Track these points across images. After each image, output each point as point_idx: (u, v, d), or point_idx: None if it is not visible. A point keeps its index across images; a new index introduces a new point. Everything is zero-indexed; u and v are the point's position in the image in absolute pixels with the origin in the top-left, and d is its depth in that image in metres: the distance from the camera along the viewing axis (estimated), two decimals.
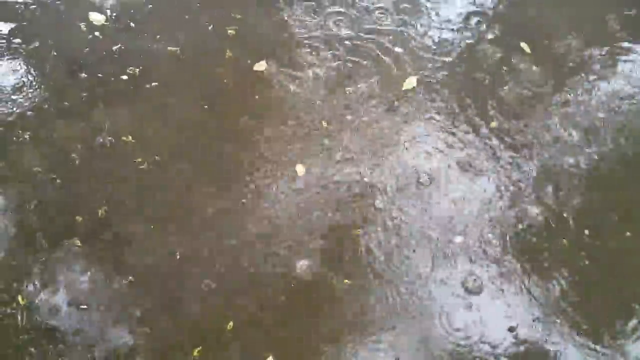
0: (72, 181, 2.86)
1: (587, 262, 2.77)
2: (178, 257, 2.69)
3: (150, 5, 3.51)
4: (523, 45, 3.46)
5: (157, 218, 2.78)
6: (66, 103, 3.10)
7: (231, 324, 2.54)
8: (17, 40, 3.29)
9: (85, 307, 2.55)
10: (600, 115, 3.24)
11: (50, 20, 3.40)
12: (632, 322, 2.63)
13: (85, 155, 2.94)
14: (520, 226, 2.85)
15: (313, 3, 3.58)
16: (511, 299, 2.67)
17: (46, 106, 3.08)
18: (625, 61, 3.44)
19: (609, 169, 3.06)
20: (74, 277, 2.62)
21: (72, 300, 2.56)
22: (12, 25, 3.35)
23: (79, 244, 2.69)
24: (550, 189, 2.97)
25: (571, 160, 3.07)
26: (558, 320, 2.62)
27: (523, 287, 2.69)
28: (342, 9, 3.57)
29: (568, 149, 3.11)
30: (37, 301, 2.55)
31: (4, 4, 3.43)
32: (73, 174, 2.88)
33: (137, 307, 2.57)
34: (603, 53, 3.48)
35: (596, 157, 3.09)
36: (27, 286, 2.58)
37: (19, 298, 2.55)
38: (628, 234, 2.86)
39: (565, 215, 2.89)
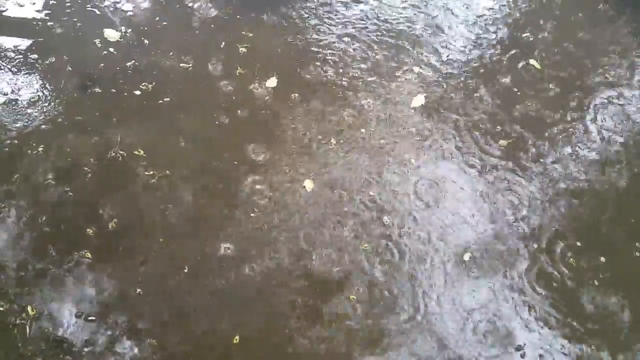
0: (84, 194, 2.90)
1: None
2: (186, 270, 2.70)
3: (165, 23, 3.58)
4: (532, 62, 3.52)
5: (166, 231, 2.81)
6: (80, 117, 3.15)
7: (237, 337, 2.54)
8: (34, 56, 3.36)
9: (93, 318, 2.57)
10: (616, 134, 3.26)
11: (66, 36, 3.47)
12: None
13: (98, 168, 2.98)
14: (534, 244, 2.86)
15: (324, 24, 3.64)
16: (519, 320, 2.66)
17: (60, 120, 3.14)
18: None
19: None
20: (83, 288, 2.64)
21: (80, 312, 2.58)
22: (30, 41, 3.43)
23: (90, 256, 2.72)
24: (559, 206, 2.98)
25: (583, 178, 3.08)
26: (560, 338, 2.61)
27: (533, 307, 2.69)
28: (352, 30, 3.62)
29: (580, 166, 3.12)
30: (46, 312, 2.57)
31: (22, 21, 3.51)
32: (85, 187, 2.92)
33: (145, 320, 2.58)
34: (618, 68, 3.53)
35: (614, 175, 3.10)
36: (37, 297, 2.60)
37: (29, 309, 2.57)
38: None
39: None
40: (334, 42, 3.56)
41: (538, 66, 3.52)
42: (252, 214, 2.88)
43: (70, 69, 3.33)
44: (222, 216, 2.87)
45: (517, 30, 3.72)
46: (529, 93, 3.40)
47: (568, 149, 3.20)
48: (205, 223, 2.85)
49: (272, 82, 3.35)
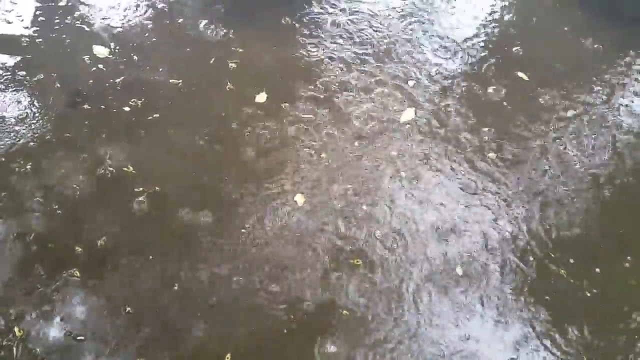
0: (72, 211, 2.87)
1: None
2: (176, 288, 2.68)
3: (154, 39, 3.59)
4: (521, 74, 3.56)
5: (156, 249, 2.78)
6: (68, 134, 3.13)
7: (229, 355, 2.51)
8: (22, 73, 3.35)
9: (82, 338, 2.53)
10: (599, 145, 3.29)
11: (54, 53, 3.47)
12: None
13: (86, 185, 2.96)
14: (514, 256, 2.86)
15: (314, 39, 3.66)
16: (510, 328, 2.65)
17: (48, 137, 3.12)
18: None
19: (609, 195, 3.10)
20: (72, 307, 2.61)
21: (69, 332, 2.54)
22: (18, 58, 3.41)
23: (78, 275, 2.68)
24: (545, 217, 2.99)
25: (568, 189, 3.10)
26: (548, 344, 2.60)
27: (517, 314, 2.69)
28: (341, 42, 3.65)
29: (573, 178, 3.15)
30: (34, 332, 2.53)
31: (10, 38, 3.50)
32: (74, 204, 2.89)
33: (135, 338, 2.55)
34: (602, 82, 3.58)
35: (593, 184, 3.13)
36: (24, 317, 2.56)
37: (16, 329, 2.52)
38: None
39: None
40: (323, 58, 3.58)
41: (526, 78, 3.56)
42: (242, 230, 2.86)
43: (58, 85, 3.31)
44: (212, 232, 2.85)
45: (504, 44, 3.76)
46: (517, 105, 3.43)
47: (556, 161, 3.22)
48: (196, 240, 2.83)
49: (261, 97, 3.35)
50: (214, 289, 2.69)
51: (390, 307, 2.67)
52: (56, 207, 2.88)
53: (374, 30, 3.76)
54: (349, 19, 3.81)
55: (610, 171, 3.20)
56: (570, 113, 3.44)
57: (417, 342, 2.58)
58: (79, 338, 2.53)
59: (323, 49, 3.62)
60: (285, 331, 2.59)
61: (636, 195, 3.13)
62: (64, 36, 3.54)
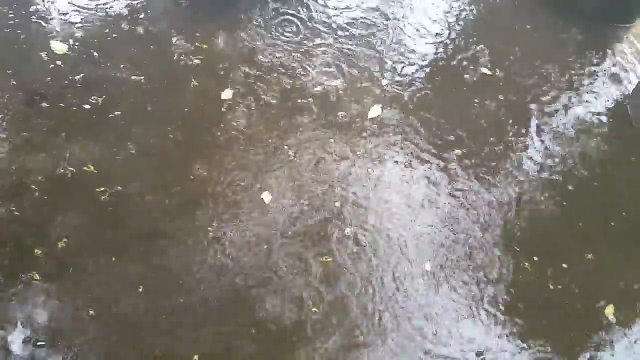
0: (31, 213, 2.78)
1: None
2: (141, 290, 2.62)
3: (115, 35, 3.50)
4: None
5: (118, 250, 2.72)
6: (26, 133, 3.03)
7: (196, 357, 2.47)
8: None
9: (43, 343, 2.45)
10: (567, 142, 3.38)
11: (10, 49, 3.34)
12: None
13: (46, 186, 2.86)
14: (481, 254, 2.91)
15: (280, 35, 3.63)
16: (478, 324, 2.69)
17: (4, 136, 3.01)
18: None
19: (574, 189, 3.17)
20: (31, 312, 2.52)
21: (29, 337, 2.46)
22: None
23: (38, 278, 2.60)
24: (514, 213, 3.05)
25: (537, 187, 3.17)
26: (525, 345, 2.66)
27: (484, 311, 2.73)
28: (306, 42, 3.63)
29: (534, 175, 3.21)
30: None
31: None
32: (32, 206, 2.80)
33: (99, 342, 2.48)
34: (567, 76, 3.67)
35: (561, 181, 3.20)
36: None
37: None
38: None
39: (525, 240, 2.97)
40: (290, 53, 3.55)
41: (489, 72, 3.62)
42: (209, 228, 2.82)
43: (14, 83, 3.20)
44: (177, 233, 2.80)
45: (468, 40, 3.81)
46: (481, 101, 3.48)
47: (519, 157, 3.28)
48: (161, 240, 2.77)
49: (227, 94, 3.31)
50: (180, 290, 2.64)
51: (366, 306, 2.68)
52: (13, 208, 2.78)
53: (340, 24, 3.76)
54: (312, 15, 3.80)
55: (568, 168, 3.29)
56: (533, 107, 3.51)
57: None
58: (39, 344, 2.45)
59: (288, 45, 3.59)
60: (253, 331, 2.57)
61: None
62: (19, 31, 3.42)
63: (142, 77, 3.32)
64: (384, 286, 2.74)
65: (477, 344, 2.64)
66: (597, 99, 3.65)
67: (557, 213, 3.09)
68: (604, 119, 3.55)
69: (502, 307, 2.74)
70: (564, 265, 2.90)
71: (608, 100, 3.66)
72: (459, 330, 2.67)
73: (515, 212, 3.06)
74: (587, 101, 3.62)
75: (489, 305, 2.74)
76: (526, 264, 2.88)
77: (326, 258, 2.79)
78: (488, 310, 2.73)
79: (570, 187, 3.20)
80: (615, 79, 3.80)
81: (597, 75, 3.79)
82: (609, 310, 2.79)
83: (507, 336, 2.67)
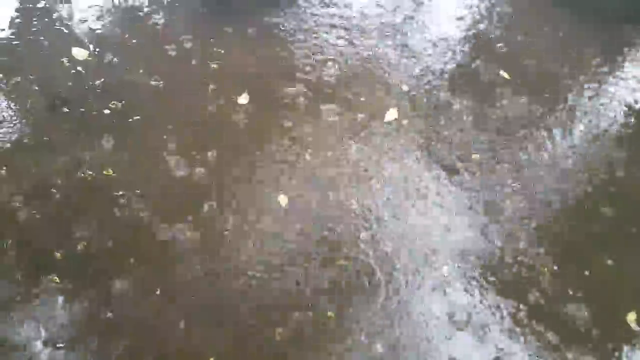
0: (51, 216, 2.82)
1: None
2: (158, 292, 2.64)
3: (134, 40, 3.54)
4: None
5: (137, 253, 2.74)
6: (47, 138, 3.08)
7: (212, 359, 2.48)
8: None
9: (62, 345, 2.48)
10: (587, 146, 3.31)
11: (32, 55, 3.41)
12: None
13: (66, 189, 2.91)
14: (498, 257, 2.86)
15: (297, 39, 3.64)
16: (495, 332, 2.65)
17: (26, 141, 3.06)
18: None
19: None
20: (51, 314, 2.56)
21: (48, 339, 2.49)
22: None
23: (58, 280, 2.63)
24: (530, 220, 3.00)
25: (551, 191, 3.11)
26: (539, 344, 2.61)
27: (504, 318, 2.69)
28: (324, 43, 3.63)
29: (549, 179, 3.16)
30: (11, 342, 2.47)
31: None
32: (52, 209, 2.84)
33: (117, 344, 2.50)
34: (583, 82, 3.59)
35: (573, 187, 3.14)
36: (1, 325, 2.50)
37: None
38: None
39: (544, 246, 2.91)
40: (306, 58, 3.56)
41: (507, 77, 3.57)
42: (225, 232, 2.83)
43: (36, 88, 3.26)
44: (195, 237, 2.81)
45: (488, 42, 3.77)
46: (500, 103, 3.44)
47: (540, 159, 3.23)
48: (179, 245, 2.79)
49: (244, 98, 3.33)
50: (196, 292, 2.65)
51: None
52: (34, 212, 2.82)
53: (355, 33, 3.75)
54: (334, 17, 3.80)
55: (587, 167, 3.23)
56: (553, 108, 3.46)
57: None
58: (58, 346, 2.48)
59: (304, 50, 3.60)
60: (269, 335, 2.56)
61: None
62: (42, 38, 3.49)
63: (161, 82, 3.35)
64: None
65: (497, 349, 2.59)
66: (618, 103, 3.57)
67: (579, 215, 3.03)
68: (622, 123, 3.47)
69: (522, 314, 2.70)
70: (586, 273, 2.84)
71: (626, 106, 3.58)
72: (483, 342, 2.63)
73: (533, 216, 3.00)
74: (605, 105, 3.54)
75: (508, 317, 2.70)
76: (545, 269, 2.83)
77: (345, 262, 2.78)
78: (511, 317, 2.69)
79: (589, 190, 3.13)
80: (638, 81, 3.72)
81: (620, 78, 3.71)
82: (631, 317, 2.72)
83: (525, 343, 2.63)
